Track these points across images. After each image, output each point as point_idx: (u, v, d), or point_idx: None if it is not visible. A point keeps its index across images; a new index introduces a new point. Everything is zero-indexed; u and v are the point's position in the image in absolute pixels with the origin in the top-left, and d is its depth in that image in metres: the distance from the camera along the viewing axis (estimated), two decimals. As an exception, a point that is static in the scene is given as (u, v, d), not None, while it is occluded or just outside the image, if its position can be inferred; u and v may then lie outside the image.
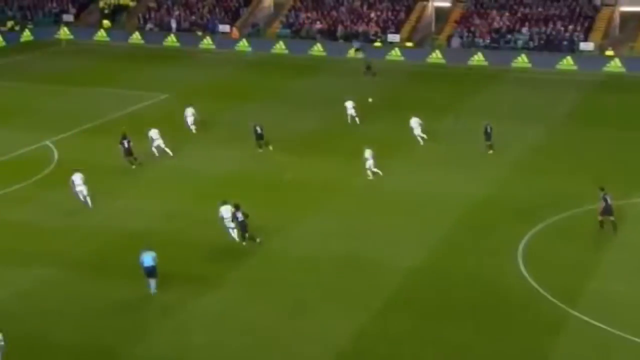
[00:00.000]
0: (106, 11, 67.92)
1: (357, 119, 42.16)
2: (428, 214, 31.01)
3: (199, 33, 64.02)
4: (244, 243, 28.44)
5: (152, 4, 68.40)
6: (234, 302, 25.00)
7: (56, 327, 23.60)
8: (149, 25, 66.38)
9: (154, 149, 36.63)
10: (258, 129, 38.06)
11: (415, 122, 39.10)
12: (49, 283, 25.98)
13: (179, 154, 37.77)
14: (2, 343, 21.25)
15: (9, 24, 64.98)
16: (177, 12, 66.83)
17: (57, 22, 66.15)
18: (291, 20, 64.56)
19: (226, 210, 28.67)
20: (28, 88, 49.84)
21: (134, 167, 35.39)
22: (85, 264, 27.28)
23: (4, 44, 61.96)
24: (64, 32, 63.88)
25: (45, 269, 26.73)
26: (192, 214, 31.25)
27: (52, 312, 24.44)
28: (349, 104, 42.53)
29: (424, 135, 38.89)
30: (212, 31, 64.30)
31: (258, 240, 28.50)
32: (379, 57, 58.06)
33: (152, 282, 25.13)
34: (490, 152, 37.47)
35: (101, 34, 65.07)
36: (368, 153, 34.67)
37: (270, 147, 37.85)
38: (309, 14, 64.51)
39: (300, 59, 58.61)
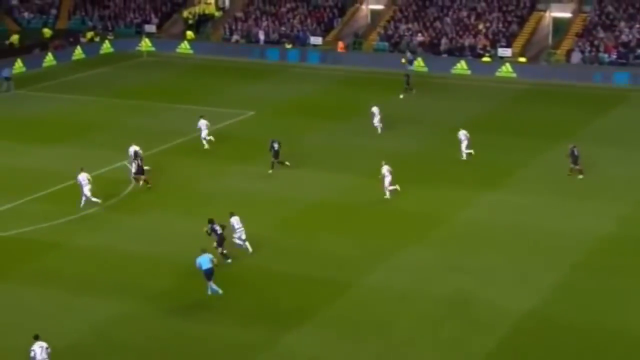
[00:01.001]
0: (190, 21, 69.46)
1: (379, 128, 43.64)
2: (541, 251, 30.12)
3: (288, 45, 64.63)
4: (228, 260, 29.44)
5: (239, 14, 69.59)
6: (325, 342, 24.69)
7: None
8: (235, 37, 67.48)
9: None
10: (275, 145, 38.22)
11: (463, 135, 39.76)
12: (124, 316, 26.20)
13: (263, 176, 37.95)
14: (50, 350, 22.72)
15: (89, 35, 67.20)
16: (265, 23, 67.76)
17: (139, 33, 68.01)
18: (390, 32, 64.43)
19: (237, 221, 30.01)
20: (107, 103, 51.22)
21: (148, 185, 36.09)
22: (162, 297, 27.47)
23: (83, 56, 64.05)
24: (145, 44, 65.63)
25: (121, 301, 27.00)
26: (279, 242, 31.28)
27: (125, 347, 24.61)
28: (376, 110, 43.97)
29: (471, 151, 39.55)
30: (303, 43, 64.80)
31: (229, 260, 29.40)
32: (488, 74, 57.21)
33: (213, 284, 26.84)
34: (580, 176, 36.82)
35: (184, 46, 66.53)
36: (385, 169, 35.08)
37: (287, 163, 38.20)
38: (409, 25, 64.25)
39: (399, 75, 58.29)
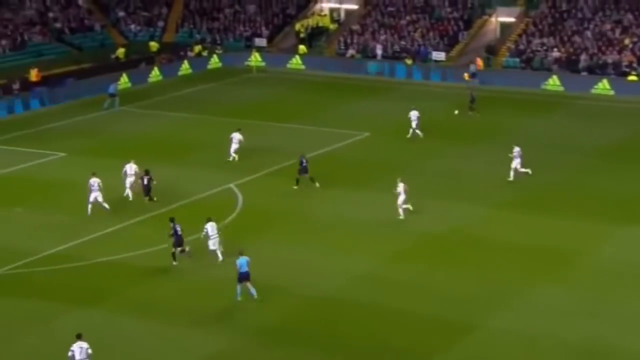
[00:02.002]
0: (302, 35, 70.32)
1: (419, 131, 45.97)
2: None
3: (408, 61, 64.51)
4: (174, 262, 31.56)
5: (356, 27, 70.01)
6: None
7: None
8: (350, 51, 67.88)
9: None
10: (304, 161, 39.16)
11: (516, 152, 40.11)
12: (224, 352, 26.47)
13: (376, 204, 37.81)
14: (90, 352, 24.19)
15: (197, 48, 68.96)
16: (383, 37, 67.91)
17: (248, 46, 69.30)
18: (521, 47, 63.42)
19: (212, 227, 32.07)
20: (213, 121, 52.26)
21: (155, 199, 37.44)
22: (268, 330, 27.63)
23: (190, 71, 65.76)
24: (255, 59, 66.81)
25: (224, 334, 27.30)
26: (392, 276, 31.12)
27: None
28: (413, 114, 46.38)
29: (528, 170, 40.09)
30: (424, 59, 64.57)
31: (187, 249, 31.96)
32: (634, 94, 55.42)
33: (249, 286, 29.07)
34: None
35: (296, 61, 67.36)
36: (401, 187, 35.75)
37: (317, 184, 38.84)
38: (544, 40, 63.08)
39: (531, 94, 57.29)
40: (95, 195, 36.10)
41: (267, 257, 32.81)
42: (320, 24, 71.56)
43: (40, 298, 29.29)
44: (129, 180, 38.00)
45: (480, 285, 30.17)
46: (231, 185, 40.29)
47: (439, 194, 39.06)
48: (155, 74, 63.62)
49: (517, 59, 62.58)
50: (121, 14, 73.82)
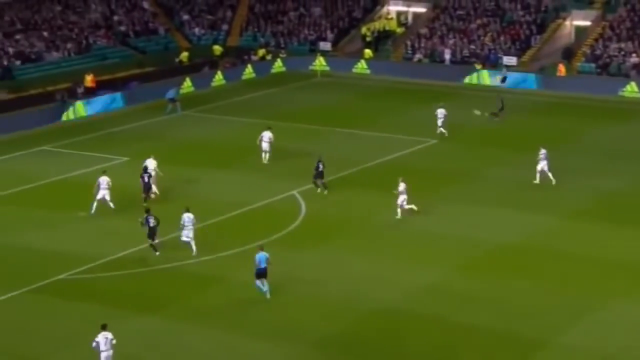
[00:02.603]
0: (368, 38, 70.24)
1: (444, 129, 47.44)
2: None
3: (478, 66, 63.97)
4: (157, 253, 32.92)
5: (423, 31, 69.69)
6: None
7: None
8: (417, 56, 67.60)
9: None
10: (320, 166, 39.58)
11: (542, 154, 40.13)
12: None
13: (443, 214, 37.52)
14: (114, 342, 24.95)
15: (260, 52, 69.37)
16: (452, 41, 67.47)
17: (313, 50, 69.50)
18: (598, 52, 62.39)
19: (189, 218, 33.10)
20: (275, 126, 52.29)
21: (152, 196, 38.49)
22: (334, 342, 27.53)
23: (253, 75, 66.15)
24: (319, 63, 66.93)
25: (291, 346, 27.27)
26: (460, 289, 30.84)
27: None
28: (440, 112, 47.83)
29: (550, 176, 40.09)
30: (494, 64, 63.97)
31: (157, 253, 32.84)
32: None
33: (264, 283, 29.85)
34: None
35: (361, 66, 67.30)
36: (402, 187, 36.39)
37: (325, 192, 39.53)
38: (621, 45, 61.95)
39: (608, 101, 56.33)
40: (104, 193, 37.46)
41: (329, 267, 32.79)
42: (387, 28, 71.37)
43: (102, 303, 29.65)
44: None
45: (552, 299, 29.71)
46: (294, 192, 40.37)
47: (506, 203, 38.66)
48: (218, 78, 64.15)
49: (593, 65, 61.59)
50: (185, 17, 74.64)
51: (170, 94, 55.54)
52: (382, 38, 70.59)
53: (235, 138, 49.91)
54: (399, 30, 71.55)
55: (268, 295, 29.88)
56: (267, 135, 44.50)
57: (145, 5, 73.64)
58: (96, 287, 31.12)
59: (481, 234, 35.44)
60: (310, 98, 59.93)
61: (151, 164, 39.64)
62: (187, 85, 61.71)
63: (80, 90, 57.25)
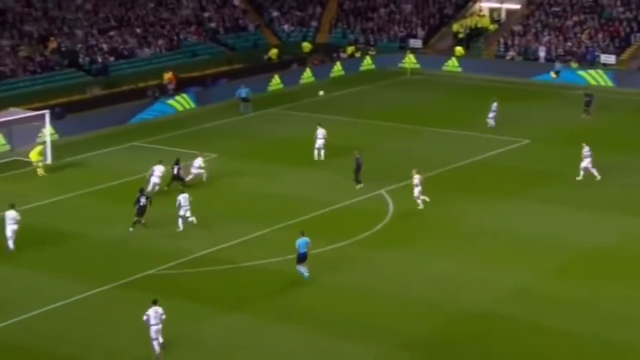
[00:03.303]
0: (460, 35, 69.73)
1: (493, 121, 49.79)
2: None
3: (574, 65, 62.89)
4: (130, 229, 35.37)
5: (517, 28, 68.84)
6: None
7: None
8: (510, 53, 66.83)
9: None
10: (360, 160, 40.15)
11: (586, 151, 40.69)
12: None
13: (533, 215, 37.05)
14: (164, 317, 26.27)
15: (349, 49, 69.55)
16: (547, 38, 66.47)
17: (402, 48, 69.35)
18: (699, 50, 60.80)
19: (184, 199, 35.78)
20: (363, 124, 52.56)
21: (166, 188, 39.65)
22: (421, 344, 27.54)
23: (342, 72, 66.36)
24: (409, 60, 66.73)
25: (375, 345, 27.32)
26: (553, 293, 30.46)
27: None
28: (494, 106, 49.56)
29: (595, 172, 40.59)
30: (591, 62, 62.80)
31: (131, 229, 35.45)
32: None
33: (304, 267, 30.99)
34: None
35: (452, 63, 66.89)
36: (417, 179, 37.20)
37: (357, 187, 40.18)
38: None
39: None
40: (155, 182, 39.28)
41: (416, 268, 32.76)
42: (479, 25, 70.76)
43: (189, 300, 30.19)
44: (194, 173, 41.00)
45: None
46: (382, 191, 40.43)
47: (599, 206, 38.01)
48: (307, 76, 64.57)
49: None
50: (275, 13, 75.32)
51: (242, 92, 55.45)
52: (474, 35, 70.01)
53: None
54: (492, 27, 70.84)
55: (306, 276, 31.17)
56: (321, 132, 44.43)
57: (236, 2, 74.58)
58: (184, 283, 31.70)
59: (573, 236, 34.93)
60: (400, 96, 59.81)
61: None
62: (276, 82, 62.28)
63: (170, 86, 58.35)
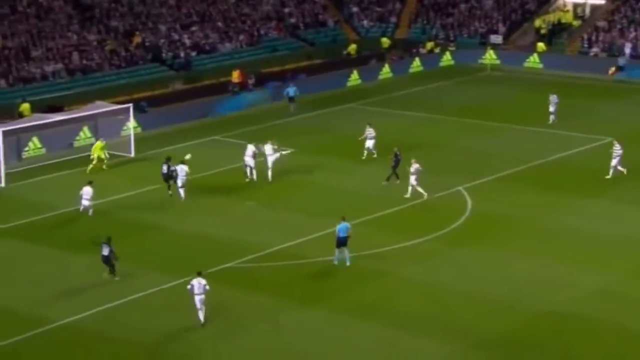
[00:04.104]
0: (543, 31, 68.82)
1: (554, 117, 49.33)
2: None
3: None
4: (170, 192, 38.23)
5: (602, 23, 67.62)
6: None
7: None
8: (594, 50, 65.73)
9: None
10: (399, 156, 40.02)
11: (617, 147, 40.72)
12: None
13: (612, 214, 36.45)
14: (208, 288, 28.00)
15: (429, 45, 69.26)
16: (633, 34, 65.14)
17: (483, 43, 68.77)
18: None
19: (181, 169, 38.86)
20: (440, 120, 52.35)
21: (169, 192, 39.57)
22: (497, 344, 27.37)
23: (420, 68, 66.11)
24: (489, 56, 66.15)
25: (450, 344, 27.29)
26: (631, 294, 30.10)
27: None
28: (553, 98, 49.52)
29: (623, 170, 40.37)
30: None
31: (170, 193, 38.43)
32: None
33: (345, 252, 32.06)
34: None
35: (533, 59, 66.07)
36: (414, 168, 37.88)
37: (383, 183, 39.78)
38: None
39: None
40: (182, 180, 39.24)
41: (493, 267, 32.57)
42: (563, 20, 69.73)
43: (267, 293, 30.55)
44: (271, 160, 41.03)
45: None
46: (460, 188, 40.25)
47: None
48: (385, 71, 64.52)
49: None
50: (355, 9, 75.40)
51: (290, 91, 54.65)
52: (556, 31, 69.00)
53: (399, 132, 49.95)
54: (575, 22, 69.74)
55: (348, 263, 32.05)
56: (371, 132, 44.21)
57: (316, -3, 74.96)
58: (261, 277, 32.05)
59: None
60: (480, 92, 59.39)
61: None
62: (354, 77, 62.37)
63: (251, 81, 58.93)
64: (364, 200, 39.05)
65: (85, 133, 48.11)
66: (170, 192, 39.45)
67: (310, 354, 26.94)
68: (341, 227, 32.14)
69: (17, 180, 42.38)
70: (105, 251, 31.29)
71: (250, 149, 41.14)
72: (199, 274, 28.34)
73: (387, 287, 31.20)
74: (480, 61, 66.30)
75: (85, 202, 37.29)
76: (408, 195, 38.36)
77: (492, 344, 27.29)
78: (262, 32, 68.05)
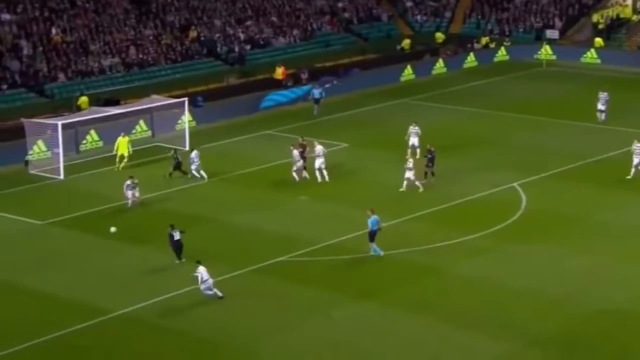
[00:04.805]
0: (600, 26, 67.87)
1: (604, 115, 48.82)
2: None
3: None
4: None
5: (661, 18, 66.55)
6: None
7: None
8: (651, 45, 64.70)
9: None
10: (433, 152, 39.74)
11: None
12: (504, 358, 26.38)
13: None
14: (212, 282, 29.20)
15: (483, 40, 68.72)
16: (691, 29, 64.03)
17: (539, 39, 68.02)
18: None
19: (195, 154, 40.67)
20: (493, 116, 51.94)
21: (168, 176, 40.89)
22: (553, 342, 27.10)
23: (475, 63, 65.64)
24: (545, 52, 65.43)
25: (503, 341, 27.12)
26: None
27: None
28: (603, 96, 48.68)
29: None
30: None
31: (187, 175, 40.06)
32: None
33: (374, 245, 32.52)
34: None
35: (591, 55, 65.23)
36: (410, 163, 38.66)
37: (422, 182, 39.40)
38: None
39: None
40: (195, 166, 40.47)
41: (548, 263, 32.27)
42: (621, 15, 68.68)
43: (320, 287, 30.63)
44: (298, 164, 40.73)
45: None
46: (515, 184, 39.92)
47: None
48: (439, 66, 64.19)
49: None
50: (409, 4, 75.07)
51: (315, 93, 53.65)
52: (615, 26, 67.98)
53: (453, 126, 49.79)
54: (634, 17, 68.64)
55: (372, 254, 32.46)
56: (415, 130, 43.70)
57: (370, -8, 74.79)
58: (314, 271, 32.13)
59: None
60: (535, 88, 58.79)
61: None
62: (408, 72, 62.17)
63: (304, 76, 59.00)
64: (418, 195, 38.92)
65: (141, 126, 48.62)
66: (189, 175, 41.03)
67: (364, 348, 26.93)
68: (373, 221, 32.48)
69: (75, 173, 43.02)
70: (177, 235, 32.25)
71: (320, 149, 40.59)
72: (199, 263, 29.51)
73: (441, 283, 31.07)
74: (535, 56, 65.63)
75: (130, 195, 37.69)
76: (403, 189, 38.66)
77: (548, 342, 27.02)
78: (315, 26, 68.11)
